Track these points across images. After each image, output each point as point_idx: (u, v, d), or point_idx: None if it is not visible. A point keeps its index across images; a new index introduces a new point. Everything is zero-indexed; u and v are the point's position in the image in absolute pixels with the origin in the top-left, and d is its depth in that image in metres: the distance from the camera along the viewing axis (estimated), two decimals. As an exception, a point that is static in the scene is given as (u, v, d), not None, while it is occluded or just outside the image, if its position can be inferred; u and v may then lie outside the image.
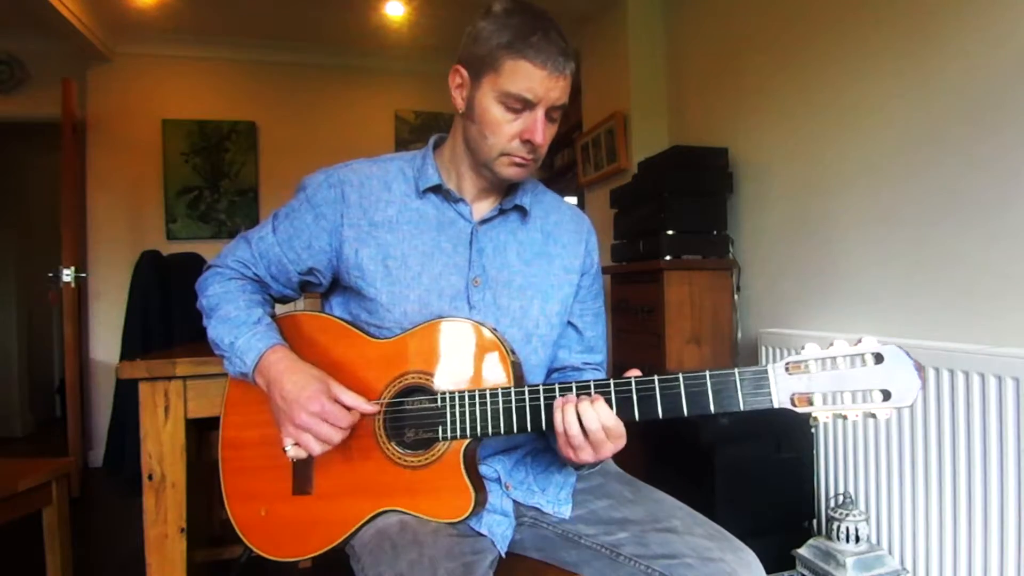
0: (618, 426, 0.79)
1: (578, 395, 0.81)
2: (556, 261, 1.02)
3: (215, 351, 0.95)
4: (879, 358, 0.71)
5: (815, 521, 1.80)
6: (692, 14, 2.72)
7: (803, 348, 0.74)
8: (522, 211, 1.01)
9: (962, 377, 1.35)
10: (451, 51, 0.94)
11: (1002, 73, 1.39)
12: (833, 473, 1.75)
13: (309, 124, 3.93)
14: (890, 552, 1.54)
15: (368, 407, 0.86)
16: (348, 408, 0.85)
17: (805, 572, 1.60)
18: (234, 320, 0.93)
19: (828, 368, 0.72)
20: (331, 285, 1.02)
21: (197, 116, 3.76)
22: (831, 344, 0.73)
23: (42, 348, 4.78)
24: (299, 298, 1.09)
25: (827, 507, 1.69)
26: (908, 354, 0.70)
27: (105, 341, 3.55)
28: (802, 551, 1.61)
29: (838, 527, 1.54)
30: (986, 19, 1.42)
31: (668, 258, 2.25)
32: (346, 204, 0.96)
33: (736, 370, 0.75)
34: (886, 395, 0.70)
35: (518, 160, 0.92)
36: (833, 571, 1.51)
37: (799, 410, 0.73)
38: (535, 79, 0.87)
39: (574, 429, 0.79)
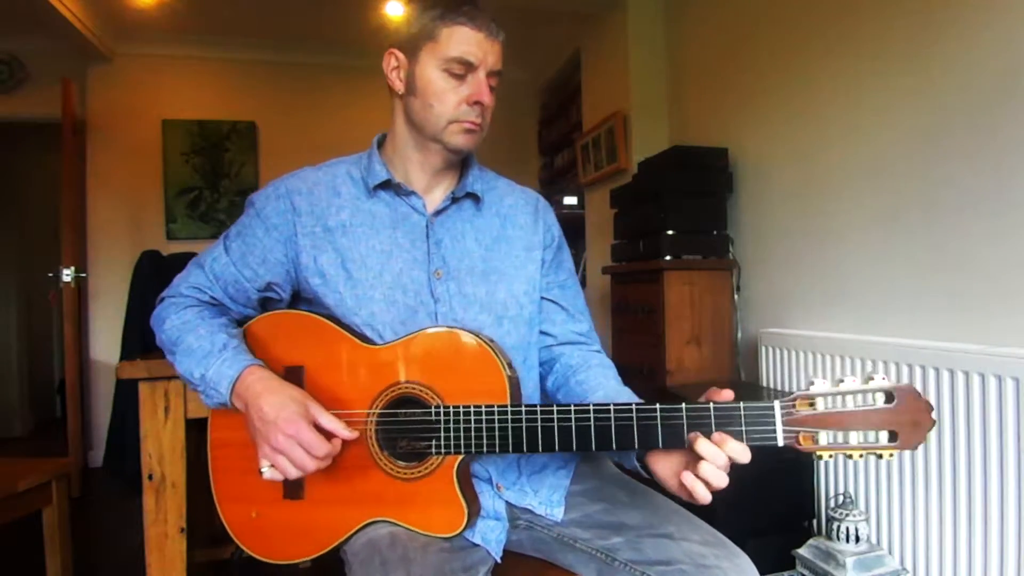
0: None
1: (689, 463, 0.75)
2: (517, 243, 1.03)
3: (190, 386, 0.92)
4: (889, 397, 0.69)
5: (815, 521, 1.79)
6: (692, 14, 2.72)
7: (812, 384, 0.71)
8: (475, 198, 1.01)
9: (962, 377, 1.35)
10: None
11: (1004, 74, 1.39)
12: (833, 473, 1.75)
13: (309, 124, 3.92)
14: (890, 552, 1.54)
15: (346, 433, 0.83)
16: (327, 431, 0.82)
17: (805, 572, 1.60)
18: (198, 351, 0.89)
19: (837, 406, 0.70)
20: (292, 299, 1.01)
21: (197, 116, 3.76)
22: (841, 380, 0.70)
23: (42, 348, 4.77)
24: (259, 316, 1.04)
25: (827, 507, 1.69)
26: (920, 394, 0.68)
27: (105, 341, 3.54)
28: (802, 551, 1.61)
29: (838, 527, 1.54)
30: (989, 20, 1.42)
31: (668, 258, 2.25)
32: (297, 214, 0.96)
33: (742, 404, 0.73)
34: (892, 436, 0.68)
35: (467, 126, 0.93)
36: (833, 571, 1.50)
37: (803, 448, 0.70)
38: (474, 41, 0.90)
39: (706, 490, 0.73)
